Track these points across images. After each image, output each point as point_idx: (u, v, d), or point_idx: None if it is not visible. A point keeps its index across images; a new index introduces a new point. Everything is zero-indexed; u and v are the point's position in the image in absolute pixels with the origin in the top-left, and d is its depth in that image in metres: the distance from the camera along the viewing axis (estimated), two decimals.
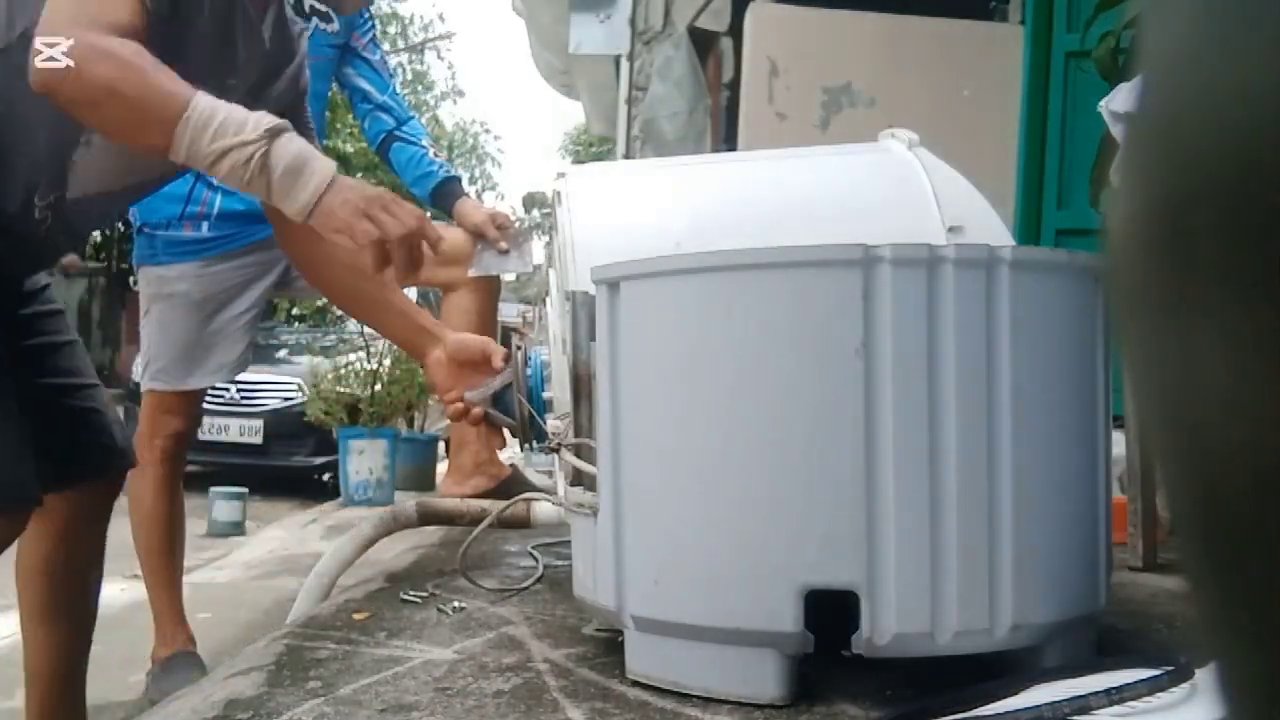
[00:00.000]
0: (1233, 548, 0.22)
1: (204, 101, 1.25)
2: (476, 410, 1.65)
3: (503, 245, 2.33)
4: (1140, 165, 0.24)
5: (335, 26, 2.41)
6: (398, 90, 2.55)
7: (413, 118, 2.54)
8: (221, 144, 1.25)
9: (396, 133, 2.48)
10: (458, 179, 2.51)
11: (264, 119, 1.28)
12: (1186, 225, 0.22)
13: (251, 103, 1.33)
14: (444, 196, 2.47)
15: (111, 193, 1.48)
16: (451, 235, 2.28)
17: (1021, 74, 3.22)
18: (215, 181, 2.17)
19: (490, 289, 2.38)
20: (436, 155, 2.47)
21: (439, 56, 23.94)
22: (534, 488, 2.24)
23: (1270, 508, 0.20)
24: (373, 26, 2.53)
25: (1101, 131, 1.79)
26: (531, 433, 1.61)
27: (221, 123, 1.25)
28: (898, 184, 1.47)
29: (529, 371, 1.60)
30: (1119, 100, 1.68)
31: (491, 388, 1.63)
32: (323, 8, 2.35)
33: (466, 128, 23.61)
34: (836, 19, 3.90)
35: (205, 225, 2.29)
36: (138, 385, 7.66)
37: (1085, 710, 0.91)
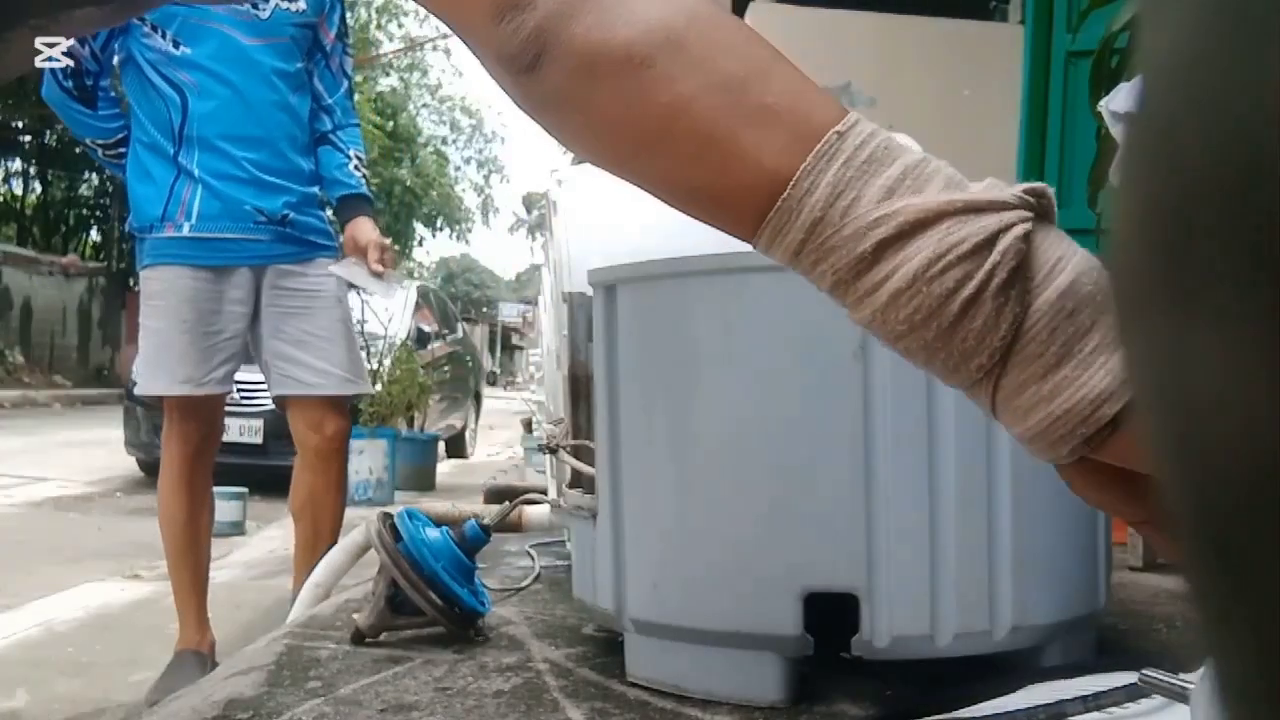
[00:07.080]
0: (1231, 548, 0.22)
1: None
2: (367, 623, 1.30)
3: (377, 269, 2.53)
4: (1140, 165, 0.24)
5: (300, 5, 2.41)
6: (348, 95, 2.64)
7: (353, 125, 2.65)
8: None
9: (330, 135, 2.60)
10: (369, 199, 2.67)
11: None
12: (1186, 225, 0.22)
13: None
14: (348, 208, 2.61)
15: None
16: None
17: (1021, 74, 3.22)
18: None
19: None
20: (357, 169, 2.63)
21: (434, 48, 24.40)
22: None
23: (1269, 507, 0.20)
24: (342, 18, 2.54)
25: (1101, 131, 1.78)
26: (455, 617, 1.28)
27: None
28: None
29: (405, 547, 1.25)
30: (1119, 100, 1.67)
31: (378, 601, 1.28)
32: None
33: (469, 107, 24.08)
34: (836, 19, 3.90)
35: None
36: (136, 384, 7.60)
37: (1061, 716, 0.91)
